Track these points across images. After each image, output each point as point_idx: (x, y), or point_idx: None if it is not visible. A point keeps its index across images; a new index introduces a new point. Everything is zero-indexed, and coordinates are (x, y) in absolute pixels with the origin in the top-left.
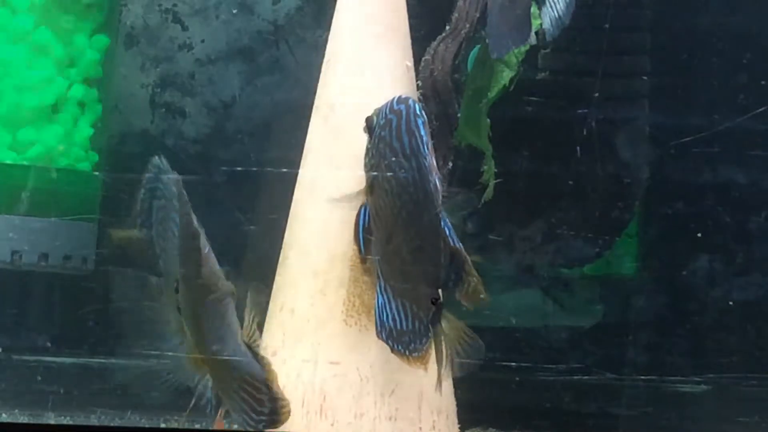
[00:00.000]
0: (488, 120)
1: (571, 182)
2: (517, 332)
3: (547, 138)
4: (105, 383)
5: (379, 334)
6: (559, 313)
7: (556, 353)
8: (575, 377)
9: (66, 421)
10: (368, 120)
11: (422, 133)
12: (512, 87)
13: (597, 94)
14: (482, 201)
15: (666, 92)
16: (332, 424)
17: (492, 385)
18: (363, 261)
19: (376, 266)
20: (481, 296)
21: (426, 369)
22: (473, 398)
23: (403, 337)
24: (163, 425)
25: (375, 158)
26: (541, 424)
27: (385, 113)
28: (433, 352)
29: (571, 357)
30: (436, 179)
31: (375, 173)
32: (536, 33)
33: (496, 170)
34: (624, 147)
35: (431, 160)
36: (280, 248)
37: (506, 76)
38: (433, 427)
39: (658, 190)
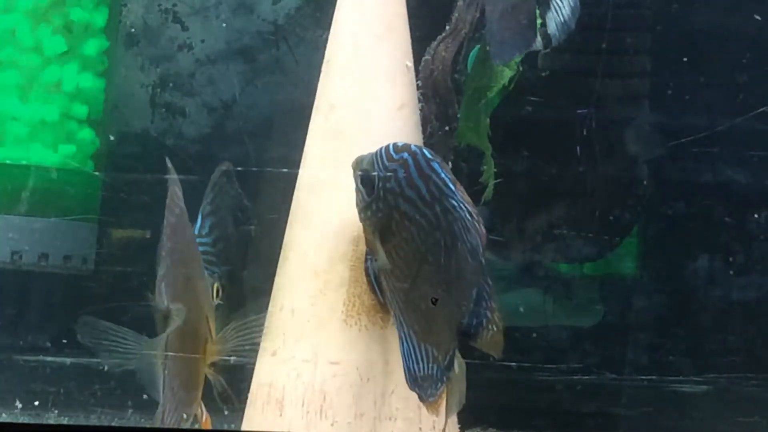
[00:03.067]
0: (488, 120)
1: (570, 183)
2: (517, 332)
3: (547, 138)
4: (105, 383)
5: (410, 386)
6: (559, 313)
7: (556, 353)
8: (575, 377)
9: (66, 421)
10: (364, 177)
11: (443, 176)
12: (512, 87)
13: (597, 94)
14: (482, 201)
15: (666, 92)
16: (332, 424)
17: (492, 385)
18: (383, 307)
19: (398, 315)
20: (496, 351)
21: (438, 415)
22: (473, 398)
23: (424, 383)
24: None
25: (383, 210)
26: (541, 424)
27: (384, 164)
28: (445, 397)
29: (571, 357)
30: (472, 218)
31: (386, 222)
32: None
33: (495, 170)
34: (624, 147)
35: (461, 199)
36: (280, 248)
37: (506, 76)
38: (433, 427)
39: (658, 190)
